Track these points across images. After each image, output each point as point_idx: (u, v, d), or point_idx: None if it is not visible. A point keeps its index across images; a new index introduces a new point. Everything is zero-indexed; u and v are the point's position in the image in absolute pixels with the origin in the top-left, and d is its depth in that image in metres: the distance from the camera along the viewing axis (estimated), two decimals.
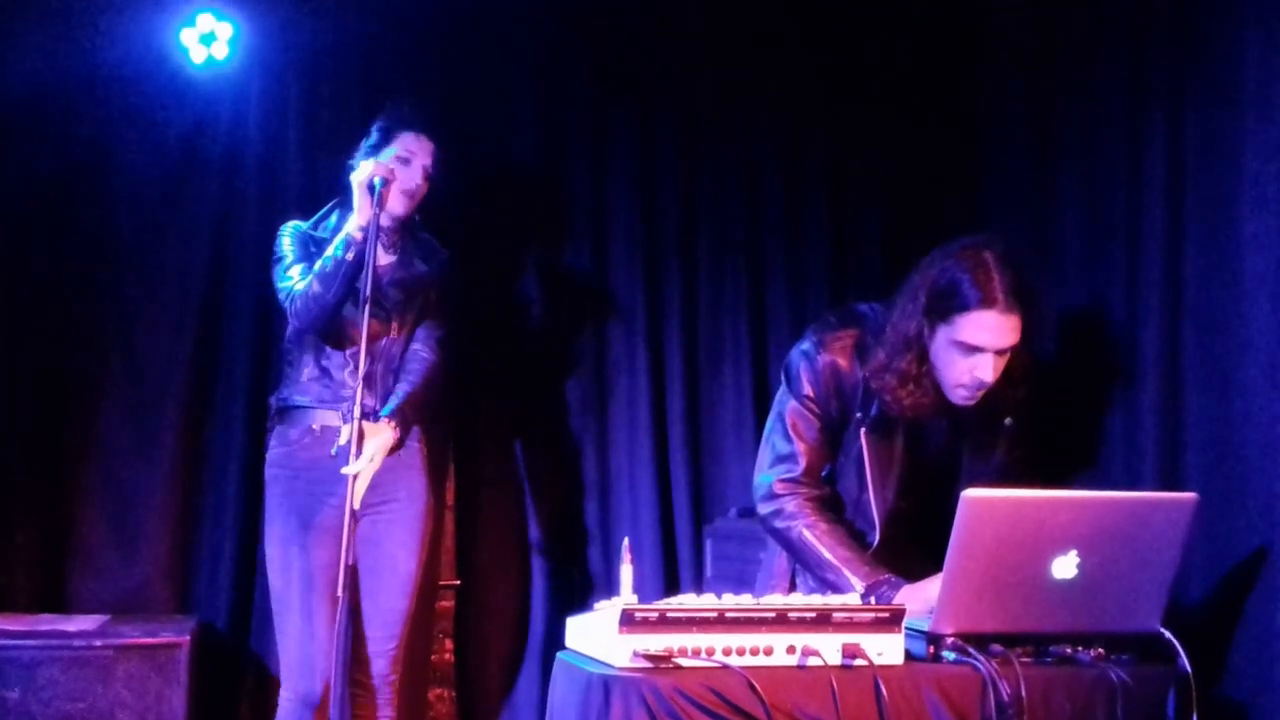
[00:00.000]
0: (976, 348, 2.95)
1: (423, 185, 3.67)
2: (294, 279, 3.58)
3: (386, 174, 3.48)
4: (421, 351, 3.72)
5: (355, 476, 3.34)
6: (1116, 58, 3.48)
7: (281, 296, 3.62)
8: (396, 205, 3.59)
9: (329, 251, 3.51)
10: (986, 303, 2.92)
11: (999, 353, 2.97)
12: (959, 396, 3.03)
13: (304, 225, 3.70)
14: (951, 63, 4.34)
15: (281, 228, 3.70)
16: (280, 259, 3.65)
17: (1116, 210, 3.43)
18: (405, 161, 3.63)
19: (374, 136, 3.68)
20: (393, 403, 3.60)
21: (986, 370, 2.97)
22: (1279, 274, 2.88)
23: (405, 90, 3.97)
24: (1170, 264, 3.23)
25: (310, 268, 3.55)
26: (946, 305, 2.96)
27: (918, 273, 3.05)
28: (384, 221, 3.58)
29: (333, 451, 3.49)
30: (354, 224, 3.48)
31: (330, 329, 3.60)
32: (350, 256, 3.47)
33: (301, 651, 3.53)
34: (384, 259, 3.68)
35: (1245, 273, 2.99)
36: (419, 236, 3.80)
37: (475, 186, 4.29)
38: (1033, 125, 3.87)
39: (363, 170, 3.49)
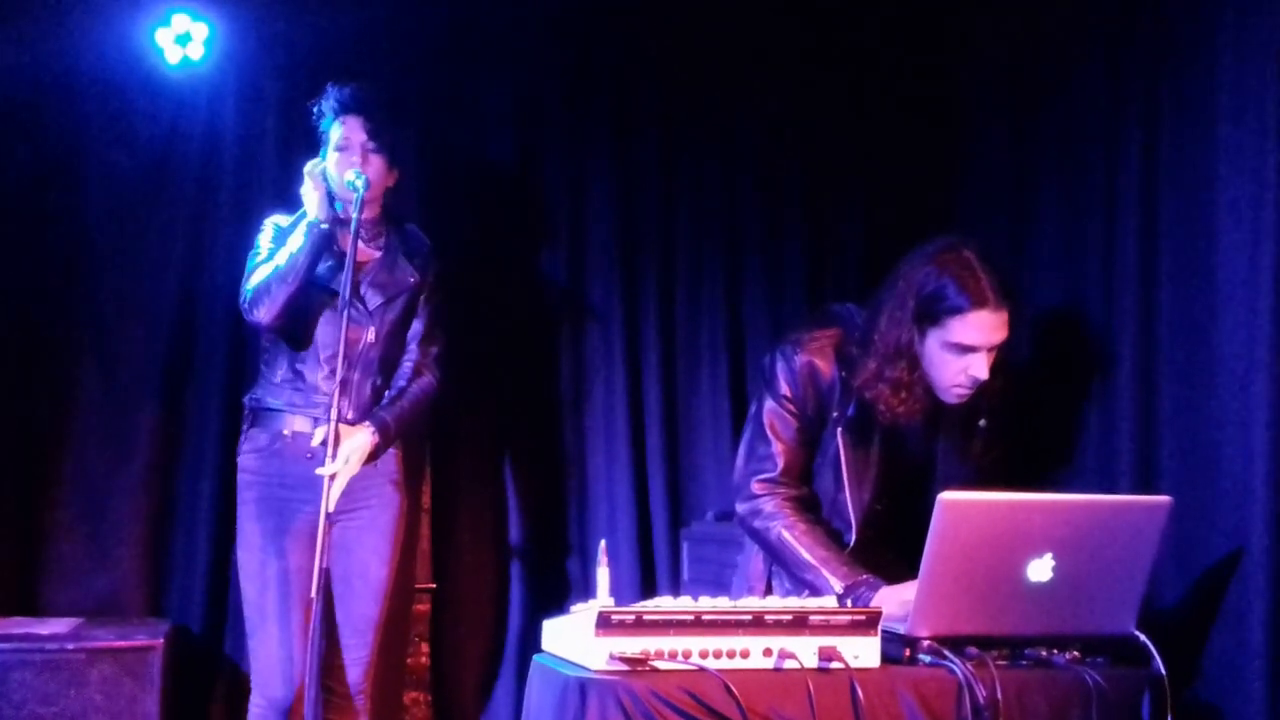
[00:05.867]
0: (970, 347, 2.98)
1: (373, 160, 3.59)
2: (254, 277, 3.55)
3: (354, 169, 3.50)
4: (424, 373, 3.68)
5: (331, 478, 3.32)
6: (1094, 61, 3.49)
7: (240, 300, 3.57)
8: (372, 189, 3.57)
9: (290, 246, 3.49)
10: (978, 303, 2.95)
11: (990, 349, 2.99)
12: (954, 396, 3.06)
13: (284, 223, 3.64)
14: (931, 65, 4.35)
15: (263, 222, 3.68)
16: (256, 252, 3.61)
17: (1093, 213, 3.45)
18: (345, 149, 3.59)
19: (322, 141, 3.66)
20: (380, 413, 3.57)
21: (981, 368, 2.99)
22: (1252, 277, 2.90)
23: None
24: (1145, 267, 3.25)
25: None
26: (937, 309, 2.98)
27: (900, 279, 3.06)
28: (365, 213, 3.54)
29: (307, 454, 3.47)
30: (314, 213, 3.51)
31: (285, 325, 3.55)
32: (315, 236, 3.47)
33: (273, 658, 3.50)
34: (366, 253, 3.64)
35: (1219, 276, 3.01)
36: (405, 229, 3.76)
37: (452, 190, 4.29)
38: (1011, 129, 3.88)
39: (323, 165, 3.53)
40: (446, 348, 3.77)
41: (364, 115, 3.60)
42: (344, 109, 3.61)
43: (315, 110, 3.66)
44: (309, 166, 3.56)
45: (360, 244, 3.56)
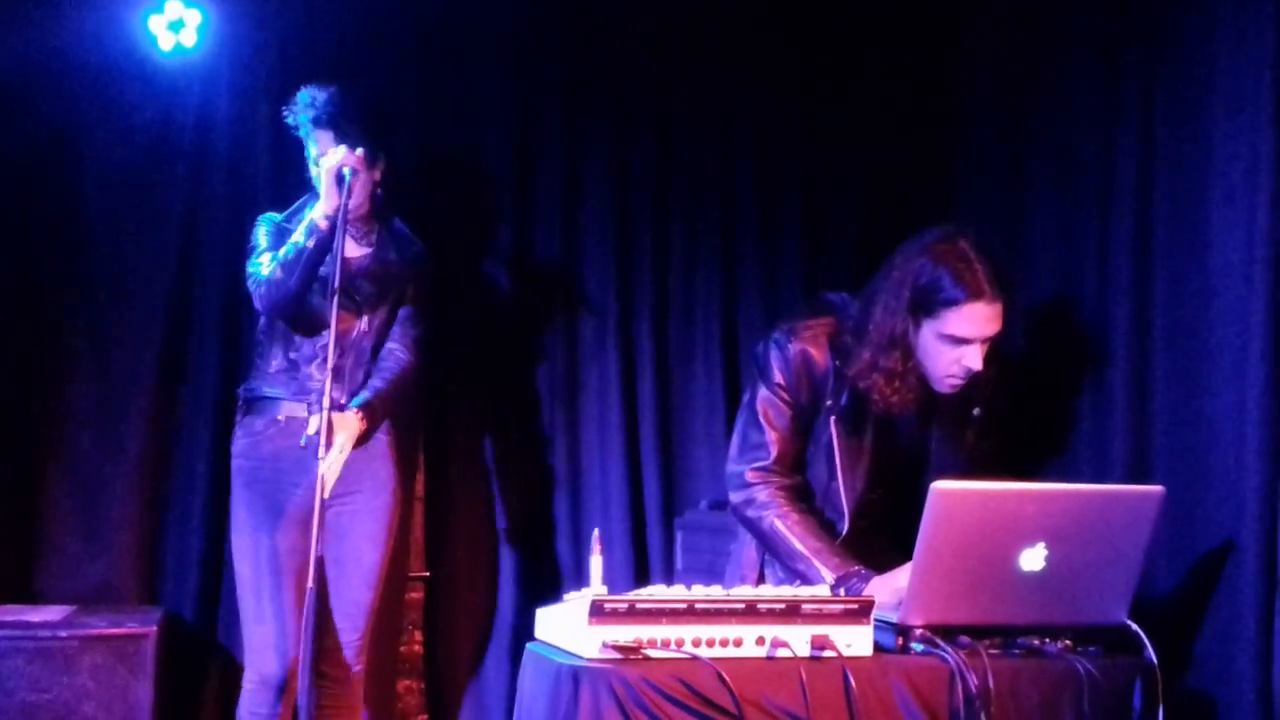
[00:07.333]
0: (965, 339, 2.98)
1: (364, 174, 3.54)
2: (263, 265, 3.57)
3: (356, 164, 3.46)
4: (397, 351, 3.70)
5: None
6: (1090, 51, 3.49)
7: (249, 283, 3.60)
8: (355, 196, 3.54)
9: (293, 238, 3.50)
10: (974, 295, 2.95)
11: (984, 340, 2.99)
12: (947, 386, 3.06)
13: (278, 217, 3.68)
14: (926, 56, 4.34)
15: (259, 219, 3.70)
16: (255, 247, 3.63)
17: (1088, 206, 3.45)
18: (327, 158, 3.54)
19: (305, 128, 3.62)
20: (363, 396, 3.59)
21: (975, 359, 2.99)
22: (1246, 268, 2.90)
23: (376, 81, 3.96)
24: (1140, 258, 3.26)
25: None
26: (932, 301, 2.99)
27: (895, 269, 3.06)
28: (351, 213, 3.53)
29: (302, 442, 3.48)
30: (320, 211, 3.47)
31: (295, 315, 3.59)
32: (313, 244, 3.46)
33: (266, 635, 3.53)
34: (357, 250, 3.66)
35: (1213, 267, 3.01)
36: (394, 228, 3.78)
37: (447, 179, 4.28)
38: (1006, 122, 3.88)
39: (332, 157, 3.46)
40: (428, 333, 3.77)
41: (335, 130, 3.54)
42: (317, 124, 3.58)
43: (289, 118, 3.62)
44: (326, 161, 3.47)
45: (351, 239, 3.57)
